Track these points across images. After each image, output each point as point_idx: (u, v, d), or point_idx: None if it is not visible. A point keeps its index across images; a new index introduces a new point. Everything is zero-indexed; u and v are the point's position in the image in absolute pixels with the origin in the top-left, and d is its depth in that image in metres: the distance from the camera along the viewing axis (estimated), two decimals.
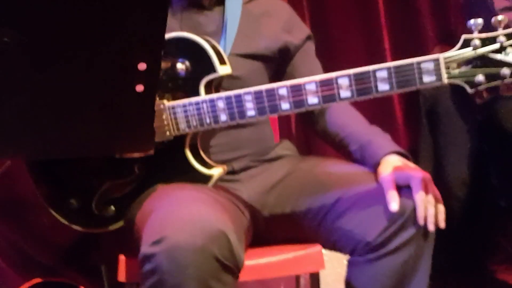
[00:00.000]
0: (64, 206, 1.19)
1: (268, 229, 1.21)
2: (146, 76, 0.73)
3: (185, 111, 1.09)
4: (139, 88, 0.74)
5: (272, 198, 1.21)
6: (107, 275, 1.54)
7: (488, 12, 1.70)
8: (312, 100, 1.03)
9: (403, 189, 1.06)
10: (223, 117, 1.07)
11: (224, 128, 1.17)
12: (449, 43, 2.06)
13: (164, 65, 1.11)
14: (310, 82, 1.02)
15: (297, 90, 1.03)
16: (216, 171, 1.13)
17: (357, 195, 1.10)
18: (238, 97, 1.06)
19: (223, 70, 1.11)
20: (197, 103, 1.08)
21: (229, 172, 1.21)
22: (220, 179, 1.19)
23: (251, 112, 1.05)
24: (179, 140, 1.12)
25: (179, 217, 0.92)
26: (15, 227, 1.61)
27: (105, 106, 0.79)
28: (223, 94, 1.07)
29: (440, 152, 1.91)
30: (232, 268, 0.93)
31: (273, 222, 1.20)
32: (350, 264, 1.11)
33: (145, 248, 0.91)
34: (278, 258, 1.12)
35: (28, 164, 1.22)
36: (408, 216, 1.03)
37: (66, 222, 1.20)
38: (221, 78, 1.13)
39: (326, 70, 1.93)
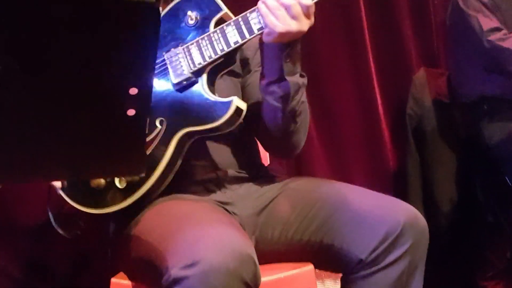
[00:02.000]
0: (85, 189, 1.14)
1: (259, 249, 1.21)
2: (137, 100, 0.75)
3: (199, 46, 1.14)
4: (131, 112, 0.76)
5: (263, 219, 1.21)
6: None
7: (473, 33, 1.75)
8: None
9: (394, 205, 1.08)
10: (234, 38, 1.12)
11: (213, 142, 1.19)
12: (433, 65, 2.12)
13: (175, 20, 1.18)
14: None
15: None
16: (236, 98, 1.13)
17: (348, 213, 1.11)
18: (244, 16, 1.12)
19: (227, 10, 1.17)
20: (208, 35, 1.14)
21: (220, 186, 1.21)
22: (214, 199, 1.19)
23: (257, 26, 1.11)
24: (196, 80, 1.15)
25: (209, 240, 0.92)
26: (6, 252, 1.59)
27: (97, 130, 0.80)
28: (230, 20, 1.13)
29: (427, 170, 1.94)
30: None
31: (264, 243, 1.20)
32: (343, 281, 1.12)
33: (176, 271, 0.90)
34: (269, 278, 1.12)
35: None
36: (400, 233, 1.04)
37: (87, 210, 1.14)
38: (228, 20, 1.15)
39: (313, 90, 1.98)
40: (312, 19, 1.09)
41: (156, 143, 1.14)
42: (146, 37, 0.71)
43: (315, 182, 1.25)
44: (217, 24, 1.16)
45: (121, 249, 1.16)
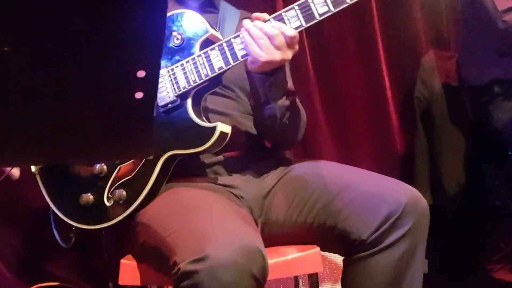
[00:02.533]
0: (75, 207, 1.20)
1: (266, 233, 1.22)
2: (145, 83, 0.75)
3: (183, 69, 1.16)
4: (139, 95, 0.76)
5: (269, 202, 1.22)
6: (108, 279, 1.55)
7: (487, 14, 1.71)
8: (295, 24, 1.10)
9: (395, 186, 1.09)
10: (218, 64, 1.14)
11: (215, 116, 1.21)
12: (442, 48, 2.10)
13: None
14: (290, 9, 1.10)
15: (279, 19, 1.10)
16: (220, 124, 1.15)
17: (350, 194, 1.12)
18: (229, 42, 1.14)
19: (214, 31, 1.18)
20: (193, 59, 1.16)
21: (225, 172, 1.22)
22: (221, 183, 1.21)
23: (242, 52, 1.12)
24: (181, 104, 1.16)
25: (218, 234, 0.93)
26: (17, 234, 1.62)
27: (105, 113, 0.80)
28: (215, 44, 1.14)
29: (435, 154, 1.93)
30: (263, 283, 0.95)
31: (270, 226, 1.21)
32: (346, 263, 1.13)
33: (185, 265, 0.91)
34: (276, 260, 1.13)
35: (39, 173, 1.25)
36: (401, 214, 1.05)
37: (80, 225, 1.21)
38: (214, 41, 1.17)
39: (321, 72, 1.97)
40: (296, 47, 1.11)
41: (142, 164, 1.18)
42: (153, 19, 0.71)
43: (318, 165, 1.25)
44: (203, 45, 1.17)
45: (130, 234, 1.17)
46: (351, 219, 1.09)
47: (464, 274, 1.90)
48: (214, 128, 1.14)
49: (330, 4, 1.09)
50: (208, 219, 1.00)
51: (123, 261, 1.18)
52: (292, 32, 1.08)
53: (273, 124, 1.21)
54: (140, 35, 0.72)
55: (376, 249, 1.06)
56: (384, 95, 1.98)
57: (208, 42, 1.18)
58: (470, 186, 1.90)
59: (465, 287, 1.86)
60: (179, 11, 1.19)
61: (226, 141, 1.16)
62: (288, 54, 1.10)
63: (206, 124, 1.15)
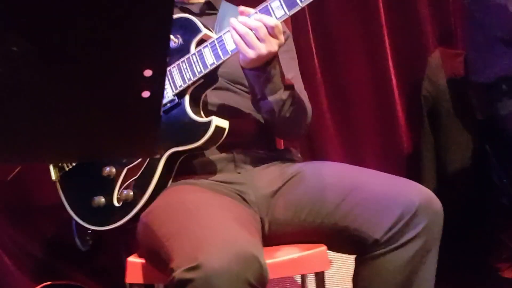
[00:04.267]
0: (88, 209, 1.24)
1: (273, 231, 1.22)
2: (152, 82, 0.75)
3: (179, 69, 1.19)
4: (145, 94, 0.76)
5: (276, 201, 1.22)
6: (115, 277, 1.56)
7: (493, 2, 1.69)
8: (279, 13, 1.11)
9: (408, 186, 1.08)
10: (210, 60, 1.17)
11: (232, 123, 1.21)
12: (449, 45, 2.08)
13: None
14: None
15: (265, 10, 1.12)
16: (216, 118, 1.17)
17: (361, 194, 1.11)
18: (219, 38, 1.17)
19: (207, 31, 1.21)
20: (188, 58, 1.19)
21: (234, 169, 1.23)
22: (228, 181, 1.21)
23: (231, 47, 1.15)
24: (179, 102, 1.20)
25: (213, 242, 0.93)
26: (24, 231, 1.63)
27: (112, 112, 0.80)
28: (207, 42, 1.17)
29: (442, 152, 1.92)
30: None
31: (277, 225, 1.21)
32: (358, 261, 1.13)
33: (180, 274, 0.91)
34: (283, 259, 1.13)
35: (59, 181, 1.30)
36: (415, 213, 1.04)
37: (95, 227, 1.26)
38: (208, 40, 1.19)
39: (328, 71, 1.97)
40: (281, 37, 1.12)
41: (146, 164, 1.21)
42: (159, 18, 0.71)
43: (327, 166, 1.25)
44: (198, 45, 1.20)
45: (136, 234, 1.18)
46: (363, 219, 1.08)
47: (472, 273, 1.89)
48: (209, 123, 1.16)
49: None
50: (204, 224, 1.00)
51: (130, 259, 1.18)
52: (272, 22, 1.09)
53: (272, 118, 1.23)
54: (147, 34, 0.72)
55: (389, 248, 1.05)
56: (391, 93, 1.97)
57: (203, 42, 1.20)
58: (477, 184, 1.89)
59: (473, 286, 1.85)
60: (174, 16, 1.20)
61: (223, 137, 1.18)
62: (274, 46, 1.11)
63: (201, 119, 1.18)
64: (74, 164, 1.29)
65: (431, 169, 1.93)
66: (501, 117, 1.76)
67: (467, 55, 1.93)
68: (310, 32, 1.90)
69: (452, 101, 1.91)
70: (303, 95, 1.32)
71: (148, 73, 0.74)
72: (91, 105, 0.79)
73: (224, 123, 1.18)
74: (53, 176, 1.31)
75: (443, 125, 1.92)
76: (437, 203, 1.08)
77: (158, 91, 0.77)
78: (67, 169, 1.31)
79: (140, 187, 1.20)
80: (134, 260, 1.17)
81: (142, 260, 1.17)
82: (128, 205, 1.21)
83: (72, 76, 0.74)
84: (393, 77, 1.97)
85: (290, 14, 1.11)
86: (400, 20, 1.97)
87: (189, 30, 1.21)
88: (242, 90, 1.29)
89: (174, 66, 1.20)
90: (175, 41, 1.20)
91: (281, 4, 1.11)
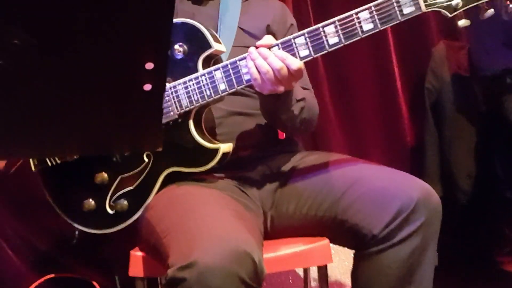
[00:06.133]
0: (78, 211, 1.23)
1: (275, 225, 1.22)
2: (153, 75, 0.75)
3: (186, 88, 1.14)
4: (147, 87, 0.76)
5: (279, 194, 1.22)
6: (119, 270, 1.57)
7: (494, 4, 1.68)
8: (304, 52, 1.07)
9: (407, 181, 1.08)
10: (222, 86, 1.12)
11: (228, 117, 1.21)
12: (453, 38, 2.07)
13: None
14: (299, 36, 1.07)
15: (288, 46, 1.08)
16: (223, 145, 1.16)
17: (361, 189, 1.11)
18: (234, 63, 1.11)
19: (218, 46, 1.16)
20: (196, 78, 1.14)
21: (238, 168, 1.22)
22: (230, 176, 1.20)
23: (247, 76, 1.10)
24: (183, 121, 1.16)
25: (208, 240, 0.93)
26: (28, 224, 1.63)
27: (114, 105, 0.80)
28: (219, 64, 1.12)
29: (446, 145, 1.91)
30: (256, 286, 0.95)
31: (280, 218, 1.21)
32: (356, 256, 1.13)
33: (174, 272, 0.91)
34: (286, 252, 1.14)
35: (40, 174, 1.27)
36: (413, 209, 1.04)
37: (83, 228, 1.25)
38: (218, 55, 1.17)
39: (330, 64, 1.96)
40: (301, 76, 1.09)
41: (143, 177, 1.19)
42: (161, 10, 0.71)
43: (329, 158, 1.25)
44: (205, 60, 1.15)
45: (137, 228, 1.19)
46: (362, 214, 1.08)
47: (475, 267, 1.89)
48: (216, 150, 1.14)
49: (341, 36, 1.05)
50: (201, 221, 1.00)
51: (133, 252, 1.19)
52: (296, 65, 1.05)
53: (286, 127, 1.23)
54: (148, 27, 0.72)
55: (388, 244, 1.05)
56: (394, 86, 1.96)
57: (212, 58, 1.16)
58: (481, 178, 1.89)
59: (476, 280, 1.85)
60: (181, 20, 1.16)
61: (228, 157, 1.17)
62: (292, 84, 1.09)
63: (209, 145, 1.15)
64: (58, 162, 1.25)
65: (434, 162, 1.93)
66: (505, 110, 1.76)
67: (470, 47, 1.92)
68: (313, 24, 1.89)
69: (455, 93, 1.90)
70: (309, 91, 1.32)
71: (149, 66, 0.74)
72: (93, 98, 0.79)
73: (229, 147, 1.17)
74: (33, 167, 1.27)
75: (447, 118, 1.91)
76: (436, 199, 1.08)
77: (160, 84, 0.76)
78: (49, 164, 1.26)
79: (135, 199, 1.19)
80: (137, 254, 1.18)
81: (144, 254, 1.17)
82: (121, 214, 1.20)
83: (73, 69, 0.74)
84: (396, 69, 1.96)
85: (315, 56, 1.07)
86: None
87: (196, 42, 1.14)
88: (245, 89, 1.28)
89: (180, 84, 1.14)
90: (180, 50, 1.14)
91: (307, 43, 1.06)
